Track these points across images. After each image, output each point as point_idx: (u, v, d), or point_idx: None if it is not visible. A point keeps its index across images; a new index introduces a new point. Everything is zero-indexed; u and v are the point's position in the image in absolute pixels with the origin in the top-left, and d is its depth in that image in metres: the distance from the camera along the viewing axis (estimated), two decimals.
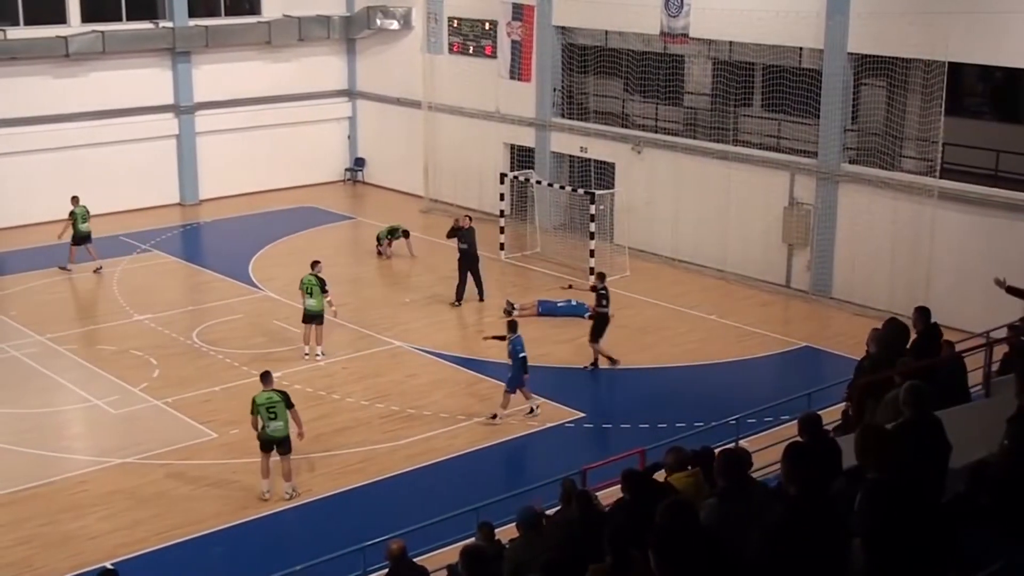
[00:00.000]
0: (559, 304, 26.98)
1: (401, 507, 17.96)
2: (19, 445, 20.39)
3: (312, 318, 24.03)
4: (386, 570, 12.79)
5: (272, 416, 18.12)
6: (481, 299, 27.60)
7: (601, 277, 24.46)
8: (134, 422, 21.36)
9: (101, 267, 30.16)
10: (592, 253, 29.47)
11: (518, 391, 21.29)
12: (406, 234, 31.90)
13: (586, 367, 23.84)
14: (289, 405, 18.34)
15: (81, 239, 30.07)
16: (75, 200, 30.28)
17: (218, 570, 16.63)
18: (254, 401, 18.24)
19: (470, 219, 28.05)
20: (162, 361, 24.04)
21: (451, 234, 28.13)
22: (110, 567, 14.72)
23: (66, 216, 30.12)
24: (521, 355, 21.10)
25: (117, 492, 18.67)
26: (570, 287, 27.44)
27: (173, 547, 17.09)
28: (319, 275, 24.07)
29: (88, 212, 30.28)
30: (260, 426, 18.18)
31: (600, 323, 23.83)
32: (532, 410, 21.40)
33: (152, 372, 23.54)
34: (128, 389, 22.66)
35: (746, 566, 7.16)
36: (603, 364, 23.88)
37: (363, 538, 15.09)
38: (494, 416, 21.07)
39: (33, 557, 16.77)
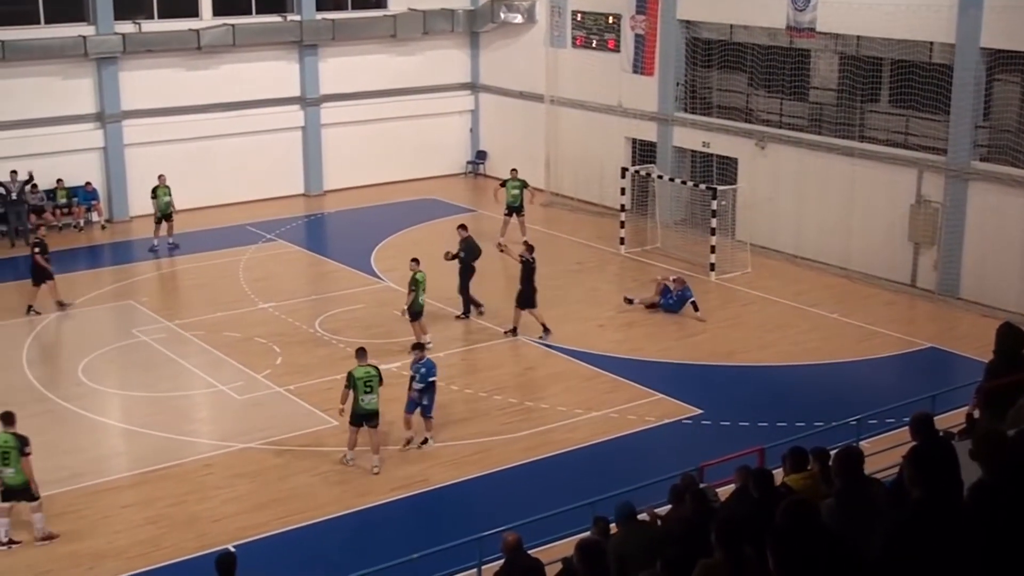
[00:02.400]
0: (674, 296, 26.57)
1: (517, 499, 18.03)
2: (149, 427, 20.96)
3: (417, 316, 24.04)
4: (502, 561, 12.86)
5: (368, 390, 18.99)
6: (466, 315, 26.26)
7: (530, 248, 25.31)
8: (257, 408, 21.80)
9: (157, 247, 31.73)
10: (713, 249, 29.26)
11: (404, 416, 19.94)
12: (520, 212, 31.99)
13: (541, 336, 24.96)
14: (381, 381, 19.21)
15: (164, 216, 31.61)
16: (162, 179, 31.65)
17: (336, 555, 16.87)
18: (351, 375, 19.09)
19: (465, 228, 27.04)
20: (285, 349, 24.49)
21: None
22: (231, 549, 15.08)
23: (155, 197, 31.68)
24: (431, 379, 19.78)
25: (240, 476, 19.10)
26: (501, 249, 26.67)
27: (293, 531, 17.43)
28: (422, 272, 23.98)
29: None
30: (354, 399, 19.04)
31: (527, 293, 24.90)
32: (410, 441, 20.03)
33: (275, 359, 23.99)
34: (252, 375, 23.14)
35: (866, 566, 7.07)
36: (511, 327, 25.19)
37: (479, 529, 15.21)
38: (424, 441, 20.00)
39: (161, 537, 17.23)
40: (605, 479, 17.92)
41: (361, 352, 19.57)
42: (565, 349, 24.55)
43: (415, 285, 23.87)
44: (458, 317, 26.23)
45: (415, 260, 24.20)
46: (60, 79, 33.59)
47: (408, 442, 19.99)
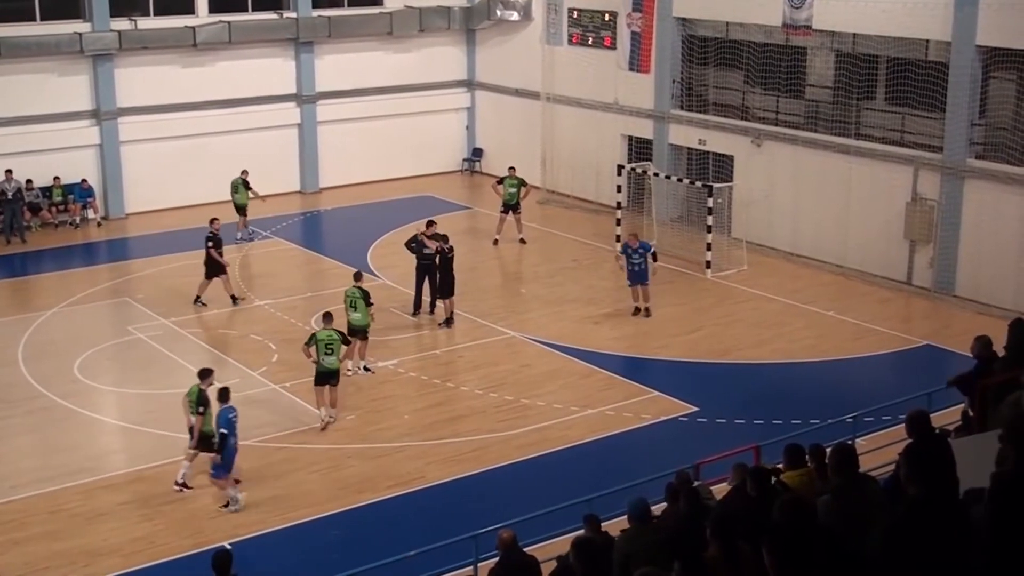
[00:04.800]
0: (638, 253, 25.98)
1: (513, 496, 18.04)
2: (144, 425, 20.95)
3: (356, 332, 22.74)
4: (497, 559, 12.87)
5: (328, 352, 20.46)
6: (432, 311, 26.19)
7: (444, 239, 25.86)
8: (253, 405, 21.71)
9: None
10: (709, 247, 29.25)
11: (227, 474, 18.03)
12: (516, 209, 32.01)
13: (440, 324, 25.61)
14: (345, 342, 20.86)
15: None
16: (245, 173, 32.26)
17: (333, 553, 16.87)
18: (314, 336, 20.58)
19: (434, 224, 26.72)
20: (281, 346, 24.46)
21: (410, 243, 26.38)
22: (228, 547, 15.09)
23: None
24: (221, 431, 17.77)
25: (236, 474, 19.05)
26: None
27: (289, 529, 17.44)
28: (363, 287, 23.28)
29: (241, 185, 32.28)
30: (316, 359, 20.42)
31: (446, 282, 25.55)
32: (230, 501, 17.95)
33: (271, 357, 23.98)
34: (248, 373, 23.13)
35: (863, 564, 7.07)
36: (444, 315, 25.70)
37: (475, 526, 15.21)
38: (225, 505, 17.94)
39: (156, 534, 17.22)
40: (601, 477, 17.95)
41: (327, 316, 21.06)
42: (561, 346, 24.56)
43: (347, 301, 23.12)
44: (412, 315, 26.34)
45: (357, 273, 23.98)
46: (56, 76, 33.55)
47: (226, 504, 18.02)
